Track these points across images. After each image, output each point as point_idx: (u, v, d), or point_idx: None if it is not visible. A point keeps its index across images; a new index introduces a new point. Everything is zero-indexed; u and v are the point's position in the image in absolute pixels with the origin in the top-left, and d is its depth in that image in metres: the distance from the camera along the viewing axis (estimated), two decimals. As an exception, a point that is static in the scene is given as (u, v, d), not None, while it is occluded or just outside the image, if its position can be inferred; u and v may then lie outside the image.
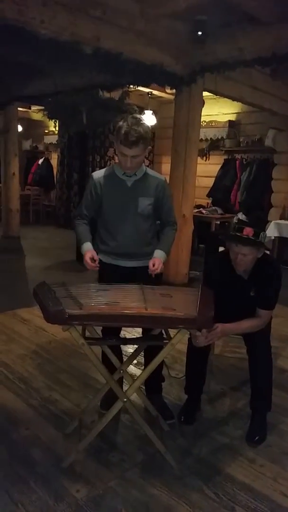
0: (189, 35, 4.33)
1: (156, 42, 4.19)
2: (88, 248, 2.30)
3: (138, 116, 2.24)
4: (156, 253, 2.34)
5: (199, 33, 4.20)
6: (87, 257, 2.26)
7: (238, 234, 2.21)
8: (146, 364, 2.40)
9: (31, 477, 1.97)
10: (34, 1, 3.24)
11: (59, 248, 7.26)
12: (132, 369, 2.97)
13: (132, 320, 1.83)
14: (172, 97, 5.15)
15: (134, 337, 2.67)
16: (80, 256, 6.59)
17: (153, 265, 2.26)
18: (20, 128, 8.47)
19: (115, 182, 2.31)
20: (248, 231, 2.20)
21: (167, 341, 2.01)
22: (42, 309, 1.83)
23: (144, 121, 2.21)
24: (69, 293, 1.95)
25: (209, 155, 7.94)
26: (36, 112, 9.25)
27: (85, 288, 2.09)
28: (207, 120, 7.61)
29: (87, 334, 2.10)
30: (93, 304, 1.87)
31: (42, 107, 6.86)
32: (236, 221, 2.43)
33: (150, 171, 2.39)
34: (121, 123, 2.15)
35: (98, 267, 2.28)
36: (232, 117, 7.65)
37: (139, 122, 2.16)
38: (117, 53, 3.78)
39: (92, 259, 2.25)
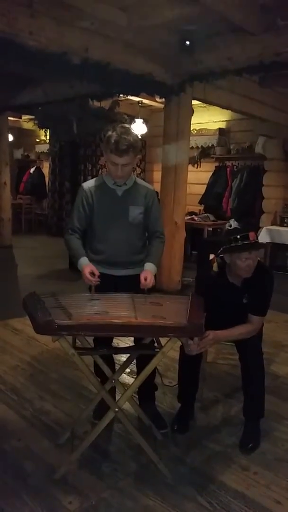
0: (177, 45, 4.38)
1: (144, 52, 4.23)
2: (86, 263, 2.25)
3: (127, 125, 2.28)
4: (147, 266, 2.32)
5: (187, 42, 4.25)
6: (87, 272, 2.21)
7: (246, 242, 2.19)
8: (139, 373, 2.40)
9: (22, 490, 1.95)
10: (22, 13, 3.27)
11: (52, 257, 7.24)
12: (125, 378, 2.96)
13: (122, 330, 1.83)
14: (162, 105, 5.19)
15: (126, 346, 2.66)
16: (73, 264, 6.57)
17: (145, 279, 2.24)
18: (11, 137, 8.49)
19: (105, 192, 2.32)
20: (252, 235, 2.19)
21: (158, 349, 2.01)
22: (31, 319, 1.82)
23: (133, 130, 2.25)
24: (58, 303, 1.95)
25: (200, 162, 8.00)
26: (27, 121, 9.23)
27: (75, 298, 2.09)
28: (197, 128, 7.67)
29: (78, 343, 2.10)
30: (82, 314, 1.87)
31: (33, 117, 6.88)
32: (231, 228, 2.43)
33: (139, 180, 2.42)
34: (110, 132, 2.17)
35: (99, 281, 2.22)
36: (222, 125, 7.72)
37: (128, 131, 2.19)
38: (106, 63, 3.82)
39: (92, 274, 2.20)
